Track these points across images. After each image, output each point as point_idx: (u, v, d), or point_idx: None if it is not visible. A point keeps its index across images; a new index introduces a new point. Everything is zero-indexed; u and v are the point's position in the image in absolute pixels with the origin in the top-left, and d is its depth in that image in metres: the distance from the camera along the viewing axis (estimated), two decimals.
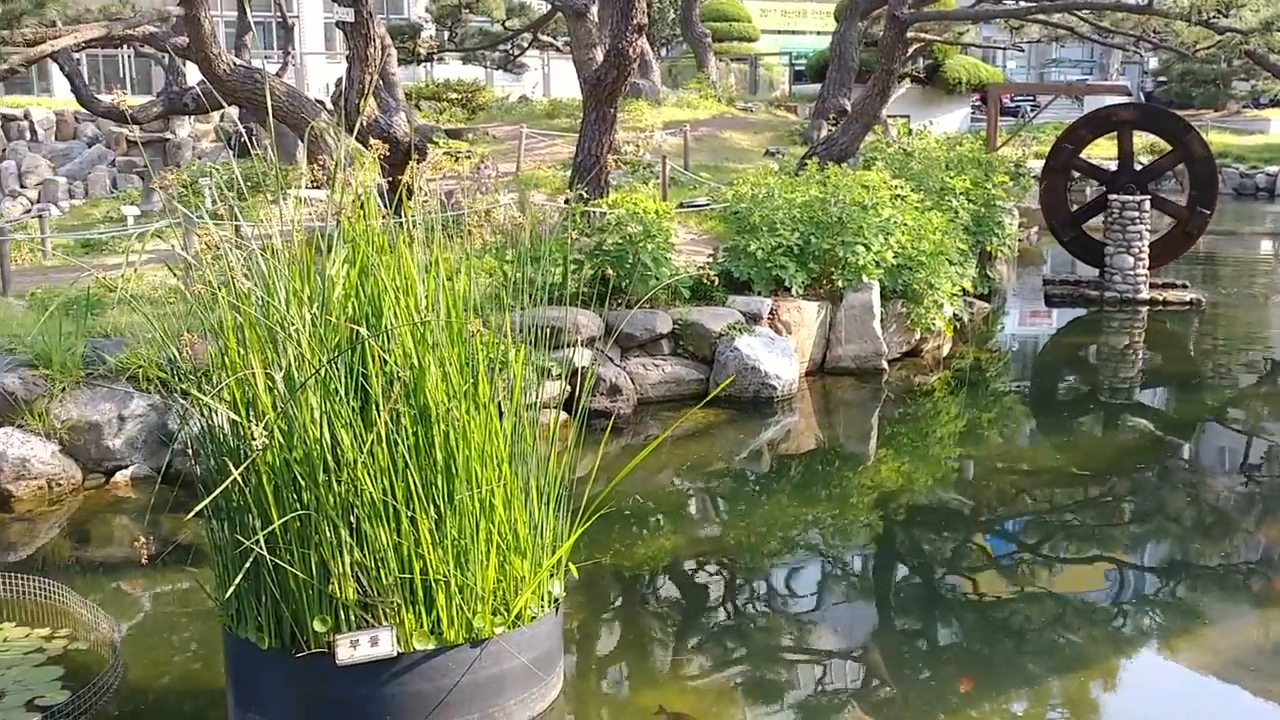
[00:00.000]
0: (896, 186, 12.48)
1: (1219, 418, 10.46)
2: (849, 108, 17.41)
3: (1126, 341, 13.81)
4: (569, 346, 9.18)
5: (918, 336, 11.87)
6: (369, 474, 4.46)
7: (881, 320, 11.22)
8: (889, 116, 20.66)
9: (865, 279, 11.02)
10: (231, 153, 15.40)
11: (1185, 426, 10.31)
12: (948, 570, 7.07)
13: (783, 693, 5.47)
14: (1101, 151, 18.54)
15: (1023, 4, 17.99)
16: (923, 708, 5.26)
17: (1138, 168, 15.97)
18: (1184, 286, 15.52)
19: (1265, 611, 6.33)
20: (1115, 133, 15.86)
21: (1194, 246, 16.20)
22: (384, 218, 4.91)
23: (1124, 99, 18.91)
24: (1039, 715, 5.26)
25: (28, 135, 22.90)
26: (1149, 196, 15.20)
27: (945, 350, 12.27)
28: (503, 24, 23.80)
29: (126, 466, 8.26)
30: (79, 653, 5.64)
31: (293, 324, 4.52)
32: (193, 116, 21.86)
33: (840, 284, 11.01)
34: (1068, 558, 7.24)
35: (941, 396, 10.84)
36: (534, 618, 4.88)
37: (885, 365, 11.18)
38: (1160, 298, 14.95)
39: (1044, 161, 16.48)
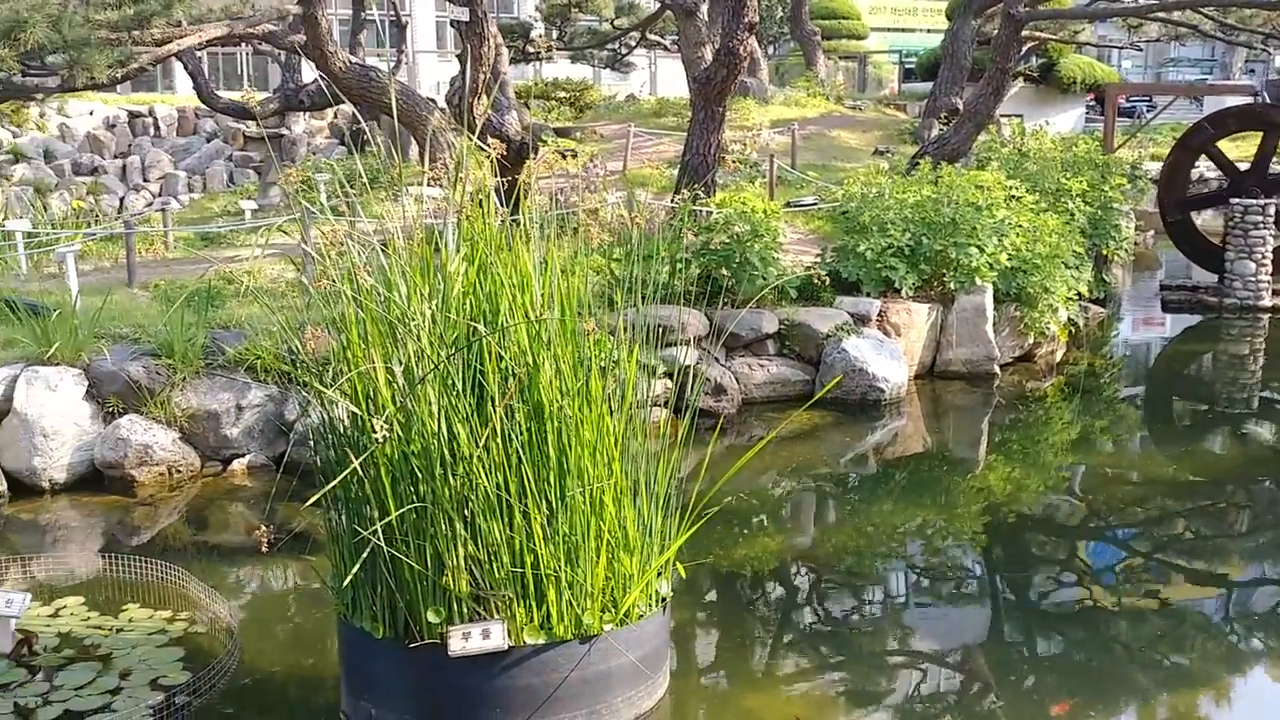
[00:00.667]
0: (1011, 187, 12.26)
1: None
2: (961, 107, 17.14)
3: (1246, 349, 13.38)
4: (676, 345, 9.18)
5: (1031, 341, 11.64)
6: (484, 468, 4.51)
7: (994, 324, 11.02)
8: (1002, 116, 20.27)
9: (978, 281, 10.84)
10: (350, 148, 15.69)
11: None
12: (1055, 581, 6.92)
13: (883, 700, 5.41)
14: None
15: (1143, 2, 17.52)
16: (1007, 712, 5.16)
17: (1271, 175, 15.43)
18: None
19: None
20: (1261, 132, 15.34)
21: None
22: (501, 217, 4.96)
23: (1249, 99, 18.28)
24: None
25: (152, 131, 23.65)
26: (1275, 202, 14.69)
27: (1059, 355, 12.01)
28: (611, 23, 23.90)
29: (243, 455, 8.48)
30: (198, 635, 5.81)
31: (413, 319, 4.59)
32: (308, 113, 22.37)
33: (952, 286, 10.84)
34: (1180, 571, 7.03)
35: (1054, 403, 10.61)
36: (642, 616, 4.89)
37: (997, 370, 10.98)
38: None
39: (1179, 137, 16.02)
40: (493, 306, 4.71)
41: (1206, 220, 16.17)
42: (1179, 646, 5.90)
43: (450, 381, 4.55)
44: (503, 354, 4.60)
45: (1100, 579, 6.94)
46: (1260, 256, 14.49)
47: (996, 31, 16.23)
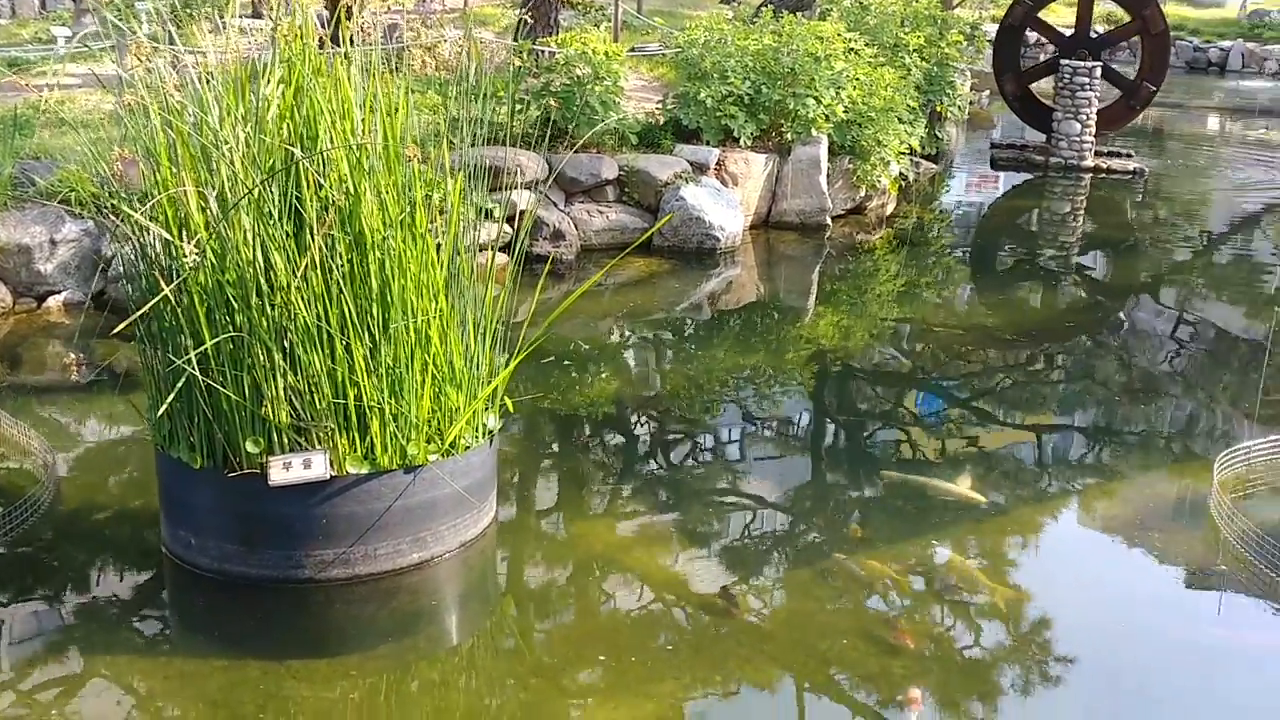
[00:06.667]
0: (850, 40, 12.32)
1: (1152, 287, 10.63)
2: None
3: (1068, 207, 13.91)
4: (510, 188, 9.09)
5: (862, 194, 11.87)
6: (303, 299, 4.44)
7: (828, 175, 11.19)
8: None
9: (814, 132, 10.95)
10: None
11: (1119, 293, 10.46)
12: (879, 427, 7.21)
13: (708, 538, 5.57)
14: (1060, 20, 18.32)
15: None
16: (827, 549, 5.41)
17: (1094, 35, 15.86)
18: (1128, 156, 15.58)
19: (1180, 474, 6.54)
20: None
21: (1142, 119, 16.15)
22: (321, 39, 4.79)
23: None
24: (926, 557, 5.41)
25: None
26: (1100, 64, 15.13)
27: (889, 209, 12.30)
28: None
29: (59, 292, 8.13)
30: (11, 471, 5.65)
31: (226, 142, 4.43)
32: None
33: (789, 137, 10.94)
34: (994, 418, 7.39)
35: (882, 255, 10.91)
36: (468, 447, 4.94)
37: (829, 221, 11.20)
38: (1104, 165, 15.01)
39: (1001, 20, 16.32)
40: (311, 132, 4.58)
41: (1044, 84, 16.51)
42: (994, 488, 6.21)
43: (266, 209, 4.43)
44: (322, 181, 4.48)
45: (921, 425, 7.25)
46: (1085, 118, 14.96)
47: None
